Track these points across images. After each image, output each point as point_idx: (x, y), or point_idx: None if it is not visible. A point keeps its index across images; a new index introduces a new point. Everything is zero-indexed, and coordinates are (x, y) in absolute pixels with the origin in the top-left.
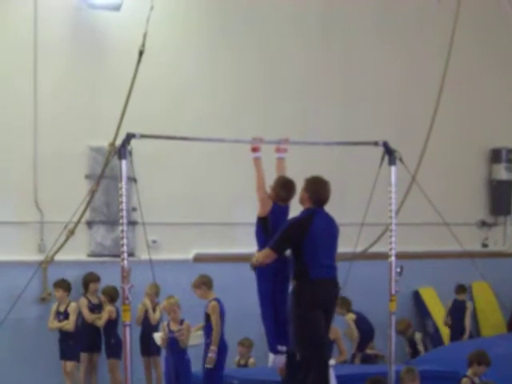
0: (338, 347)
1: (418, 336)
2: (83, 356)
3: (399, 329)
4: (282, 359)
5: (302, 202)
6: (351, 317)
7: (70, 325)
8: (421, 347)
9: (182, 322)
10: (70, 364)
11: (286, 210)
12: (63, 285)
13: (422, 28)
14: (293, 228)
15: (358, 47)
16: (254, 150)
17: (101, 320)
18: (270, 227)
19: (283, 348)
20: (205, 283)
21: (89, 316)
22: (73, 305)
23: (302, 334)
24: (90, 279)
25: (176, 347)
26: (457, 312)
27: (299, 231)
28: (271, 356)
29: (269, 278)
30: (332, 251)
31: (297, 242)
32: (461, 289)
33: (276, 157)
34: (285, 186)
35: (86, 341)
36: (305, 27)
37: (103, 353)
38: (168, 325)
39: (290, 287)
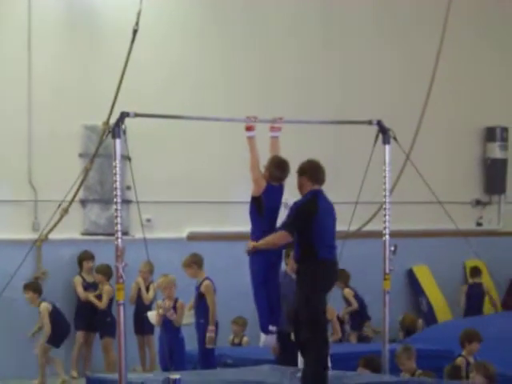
0: (333, 326)
1: (420, 322)
2: (79, 334)
3: (406, 325)
4: (272, 339)
5: (301, 187)
6: (350, 292)
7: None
8: None
9: (176, 301)
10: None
11: (280, 190)
12: (31, 286)
13: (417, 8)
14: (303, 208)
15: (354, 28)
16: (248, 128)
17: (102, 302)
18: (263, 207)
19: (274, 328)
20: (195, 262)
21: (83, 294)
22: (43, 305)
23: (310, 315)
24: (84, 257)
25: (170, 326)
26: (475, 296)
27: (308, 211)
28: (263, 336)
29: (262, 258)
30: (334, 232)
31: (306, 223)
32: (476, 271)
33: (270, 135)
34: (279, 166)
35: (82, 319)
36: (302, 6)
37: None
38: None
39: (282, 267)
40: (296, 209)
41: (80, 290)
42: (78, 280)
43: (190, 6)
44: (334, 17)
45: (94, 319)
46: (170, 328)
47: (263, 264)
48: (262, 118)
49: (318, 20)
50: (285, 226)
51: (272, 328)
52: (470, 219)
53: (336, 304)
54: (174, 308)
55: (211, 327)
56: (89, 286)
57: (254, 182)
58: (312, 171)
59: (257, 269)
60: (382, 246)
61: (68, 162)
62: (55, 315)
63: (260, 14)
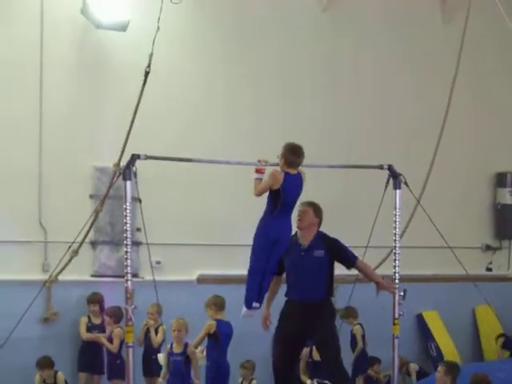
0: None
1: (412, 367)
2: (81, 376)
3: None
4: (251, 313)
5: (310, 224)
6: (359, 330)
7: None
8: (414, 377)
9: (186, 345)
10: None
11: (298, 179)
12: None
13: (428, 51)
14: None
15: (365, 70)
16: (258, 171)
17: (114, 345)
18: (282, 196)
19: (257, 305)
20: (215, 303)
21: (85, 334)
22: (59, 375)
23: (338, 349)
24: (89, 300)
25: (179, 370)
26: None
27: None
28: (244, 309)
29: (269, 234)
30: None
31: None
32: None
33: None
34: (293, 151)
35: (84, 360)
36: (314, 51)
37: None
38: (171, 347)
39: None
40: (341, 242)
41: (83, 330)
42: (83, 320)
43: (201, 48)
44: (342, 59)
45: (96, 361)
46: (180, 372)
47: (268, 231)
48: (272, 162)
49: (333, 61)
50: (355, 256)
51: (255, 305)
52: (480, 264)
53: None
54: (185, 352)
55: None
56: (94, 328)
57: (272, 177)
58: (322, 217)
59: (262, 237)
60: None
61: (78, 204)
62: None
63: (267, 59)
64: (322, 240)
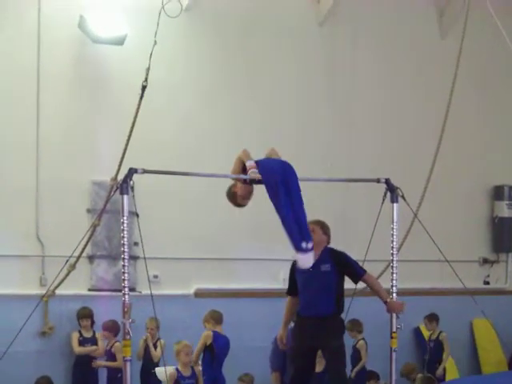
0: None
1: (419, 377)
2: None
3: (404, 372)
4: (308, 258)
5: (318, 243)
6: (364, 345)
7: None
8: None
9: (192, 367)
10: None
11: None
12: None
13: (424, 67)
14: None
15: (361, 85)
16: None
17: (118, 361)
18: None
19: (308, 245)
20: (213, 317)
21: (77, 348)
22: None
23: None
24: (81, 315)
25: None
26: None
27: None
28: (298, 255)
29: (288, 193)
30: None
31: None
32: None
33: None
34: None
35: (78, 375)
36: (307, 66)
37: None
38: (179, 371)
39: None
40: (348, 255)
41: (75, 344)
42: (74, 335)
43: (198, 66)
44: (340, 73)
45: (91, 375)
46: None
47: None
48: None
49: (328, 75)
50: (363, 269)
51: (306, 245)
52: (478, 278)
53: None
54: (194, 374)
55: None
56: (85, 341)
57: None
58: (330, 234)
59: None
60: None
61: (76, 218)
62: None
63: (265, 73)
64: (329, 254)
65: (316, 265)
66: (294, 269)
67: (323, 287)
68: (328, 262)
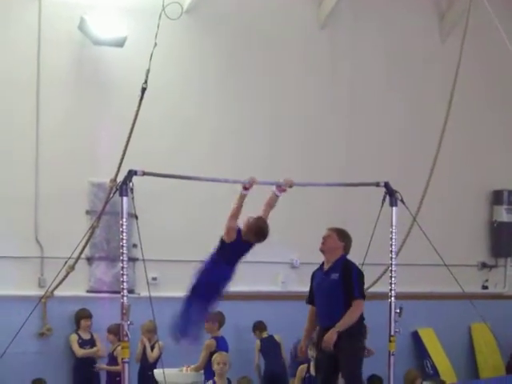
0: None
1: None
2: None
3: (407, 380)
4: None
5: (333, 248)
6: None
7: None
8: None
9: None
10: None
11: (248, 248)
12: None
13: (425, 71)
14: (362, 273)
15: (361, 88)
16: (246, 188)
17: (119, 364)
18: (227, 253)
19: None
20: (213, 318)
21: (79, 351)
22: None
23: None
24: (81, 316)
25: None
26: None
27: (363, 276)
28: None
29: (213, 275)
30: None
31: None
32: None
33: (273, 191)
34: (257, 233)
35: (79, 377)
36: (308, 69)
37: None
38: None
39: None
40: (358, 273)
41: (76, 347)
42: (73, 338)
43: (200, 69)
44: (341, 76)
45: (92, 378)
46: None
47: (219, 279)
48: (269, 180)
49: (331, 81)
50: (361, 294)
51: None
52: (476, 282)
53: None
54: None
55: None
56: (84, 343)
57: (227, 230)
58: (349, 242)
59: (213, 282)
60: (387, 307)
61: (75, 219)
62: None
63: (267, 76)
64: (341, 264)
65: (328, 272)
66: (313, 277)
67: (332, 296)
68: (338, 272)
